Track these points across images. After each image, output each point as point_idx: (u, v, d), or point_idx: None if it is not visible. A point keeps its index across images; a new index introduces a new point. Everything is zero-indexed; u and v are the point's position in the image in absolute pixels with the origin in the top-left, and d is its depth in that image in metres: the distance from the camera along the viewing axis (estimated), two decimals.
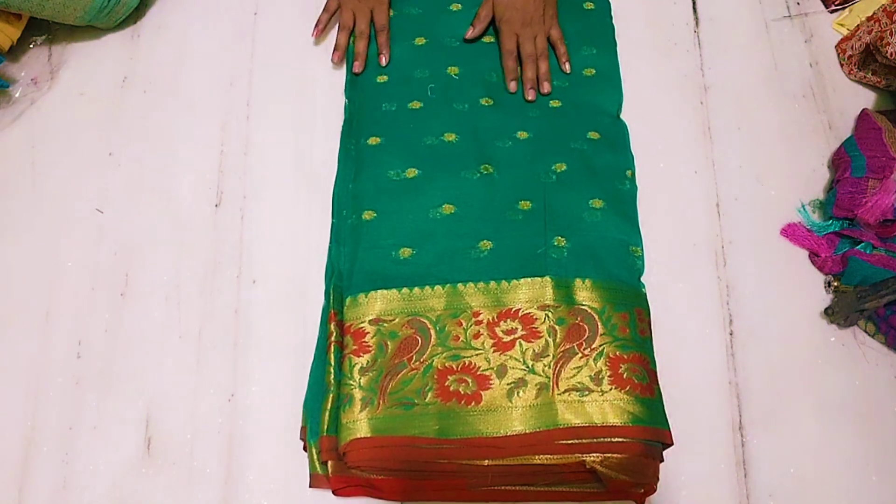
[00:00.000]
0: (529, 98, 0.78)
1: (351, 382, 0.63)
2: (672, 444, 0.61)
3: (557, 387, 0.62)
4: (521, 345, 0.64)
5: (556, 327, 0.64)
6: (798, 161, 0.79)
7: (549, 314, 0.65)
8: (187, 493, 0.65)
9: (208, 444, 0.66)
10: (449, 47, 0.82)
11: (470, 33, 0.81)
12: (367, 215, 0.71)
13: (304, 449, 0.65)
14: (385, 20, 0.81)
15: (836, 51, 0.85)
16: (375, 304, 0.66)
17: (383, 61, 0.80)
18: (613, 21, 0.85)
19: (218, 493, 0.65)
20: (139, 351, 0.70)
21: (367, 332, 0.65)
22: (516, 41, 0.79)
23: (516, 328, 0.65)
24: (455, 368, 0.64)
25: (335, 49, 0.81)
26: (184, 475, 0.65)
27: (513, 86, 0.79)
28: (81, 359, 0.70)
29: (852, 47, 0.83)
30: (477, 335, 0.65)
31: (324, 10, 0.82)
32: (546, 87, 0.78)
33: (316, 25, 0.82)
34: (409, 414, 0.61)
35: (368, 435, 0.60)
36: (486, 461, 0.60)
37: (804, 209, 0.76)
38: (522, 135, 0.76)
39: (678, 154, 0.79)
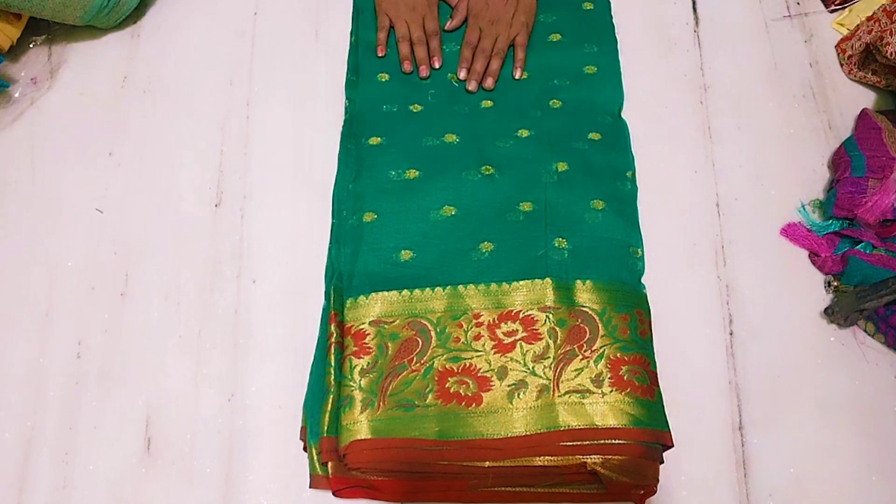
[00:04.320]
0: (470, 88, 0.79)
1: (351, 384, 0.63)
2: (672, 445, 0.61)
3: (558, 388, 0.62)
4: (521, 346, 0.64)
5: (557, 329, 0.64)
6: (798, 161, 0.79)
7: (550, 316, 0.65)
8: (187, 493, 0.65)
9: (208, 444, 0.66)
10: (449, 54, 0.82)
11: (449, 24, 0.83)
12: (368, 217, 0.71)
13: (305, 449, 0.65)
14: (436, 26, 0.82)
15: (836, 51, 0.85)
16: (376, 306, 0.66)
17: (437, 64, 0.81)
18: (613, 21, 0.85)
19: (218, 493, 0.65)
20: (139, 351, 0.70)
21: (368, 334, 0.65)
22: (479, 35, 0.81)
23: (517, 330, 0.65)
24: (455, 370, 0.64)
25: (403, 60, 0.81)
26: (184, 475, 0.65)
27: (462, 73, 0.80)
28: (81, 359, 0.70)
29: (852, 47, 0.83)
30: (477, 337, 0.65)
31: (379, 29, 0.82)
32: (489, 83, 0.79)
33: (378, 45, 0.82)
34: (409, 415, 0.61)
35: (369, 436, 0.60)
36: (487, 463, 0.60)
37: (804, 209, 0.76)
38: (523, 133, 0.76)
39: (678, 154, 0.79)
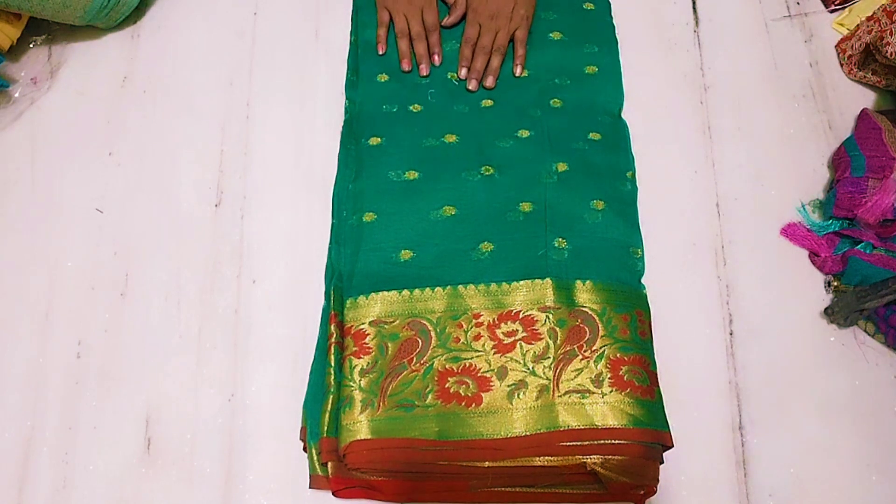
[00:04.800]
0: (470, 87, 0.78)
1: (351, 384, 0.63)
2: (672, 446, 0.61)
3: (558, 389, 0.62)
4: (521, 346, 0.64)
5: (557, 329, 0.64)
6: (798, 161, 0.79)
7: (550, 316, 0.65)
8: (187, 493, 0.65)
9: (208, 444, 0.66)
10: (449, 53, 0.82)
11: (447, 20, 0.82)
12: (368, 217, 0.71)
13: (304, 450, 0.65)
14: (435, 19, 0.81)
15: (836, 51, 0.85)
16: (376, 306, 0.66)
17: (437, 60, 0.80)
18: (614, 21, 0.85)
19: (218, 493, 0.65)
20: (139, 351, 0.70)
21: (368, 334, 0.65)
22: (478, 31, 0.80)
23: (517, 330, 0.65)
24: (455, 370, 0.64)
25: (402, 57, 0.80)
26: (184, 475, 0.65)
27: (462, 72, 0.79)
28: (81, 359, 0.70)
29: (852, 47, 0.83)
30: (477, 337, 0.65)
31: (378, 25, 0.82)
32: (490, 82, 0.79)
33: (378, 42, 0.81)
34: (409, 416, 0.61)
35: (368, 437, 0.60)
36: (487, 463, 0.60)
37: (804, 209, 0.76)
38: (524, 133, 0.76)
39: (678, 154, 0.79)
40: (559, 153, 0.74)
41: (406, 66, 0.80)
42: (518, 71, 0.80)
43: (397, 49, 0.81)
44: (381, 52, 0.81)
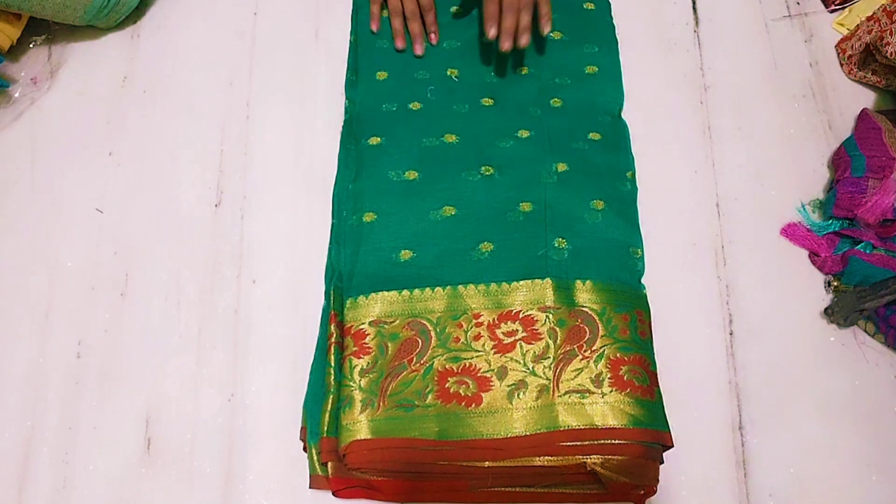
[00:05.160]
0: (504, 47, 0.73)
1: (351, 384, 0.63)
2: (672, 445, 0.61)
3: (558, 389, 0.62)
4: (521, 346, 0.64)
5: (557, 329, 0.64)
6: (798, 161, 0.79)
7: (550, 316, 0.65)
8: (187, 493, 0.65)
9: (208, 444, 0.66)
10: (448, 49, 0.82)
11: None
12: (368, 217, 0.71)
13: (304, 450, 0.65)
14: None
15: (836, 51, 0.85)
16: (376, 306, 0.66)
17: (434, 39, 0.80)
18: (614, 21, 0.85)
19: (218, 493, 0.65)
20: (139, 351, 0.70)
21: (368, 334, 0.65)
22: None
23: (517, 330, 0.65)
24: (455, 370, 0.63)
25: (395, 35, 0.80)
26: (184, 475, 0.65)
27: (492, 32, 0.74)
28: (81, 359, 0.70)
29: (852, 47, 0.83)
30: (477, 337, 0.65)
31: (372, 2, 0.81)
32: (524, 40, 0.73)
33: (371, 19, 0.81)
34: (409, 416, 0.61)
35: (368, 437, 0.60)
36: (487, 463, 0.60)
37: (804, 209, 0.76)
38: (524, 133, 0.76)
39: (678, 154, 0.79)
40: (559, 153, 0.74)
41: (400, 44, 0.79)
42: (546, 29, 0.76)
43: (391, 29, 0.80)
44: (374, 30, 0.80)
